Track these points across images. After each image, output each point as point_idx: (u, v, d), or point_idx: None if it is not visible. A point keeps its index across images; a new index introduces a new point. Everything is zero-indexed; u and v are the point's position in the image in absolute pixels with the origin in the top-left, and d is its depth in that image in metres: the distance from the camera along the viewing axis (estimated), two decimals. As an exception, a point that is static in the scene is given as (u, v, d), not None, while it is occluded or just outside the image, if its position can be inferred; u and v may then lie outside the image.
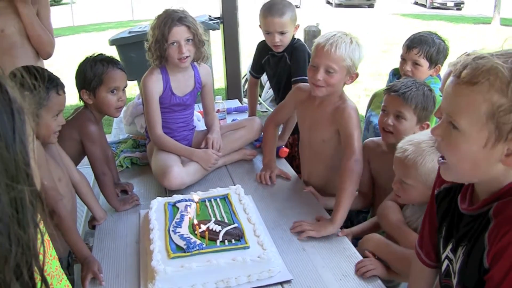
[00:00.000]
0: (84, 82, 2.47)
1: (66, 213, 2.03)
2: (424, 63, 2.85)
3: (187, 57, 2.73)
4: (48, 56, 3.15)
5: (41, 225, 1.23)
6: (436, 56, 2.84)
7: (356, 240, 2.24)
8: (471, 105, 1.18)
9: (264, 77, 7.05)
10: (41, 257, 1.21)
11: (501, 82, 1.13)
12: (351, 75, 2.41)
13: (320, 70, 2.38)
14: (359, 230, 2.36)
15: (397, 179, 2.04)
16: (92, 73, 2.46)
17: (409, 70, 2.87)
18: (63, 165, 2.26)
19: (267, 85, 6.98)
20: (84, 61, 2.52)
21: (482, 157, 1.20)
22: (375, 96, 3.17)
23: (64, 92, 2.14)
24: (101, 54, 2.55)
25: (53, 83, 2.10)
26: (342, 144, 2.42)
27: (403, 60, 2.92)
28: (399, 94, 2.33)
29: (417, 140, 1.99)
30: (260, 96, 7.01)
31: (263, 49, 3.40)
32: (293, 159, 3.55)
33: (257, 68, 3.54)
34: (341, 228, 2.27)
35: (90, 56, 2.53)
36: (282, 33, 3.07)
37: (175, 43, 2.69)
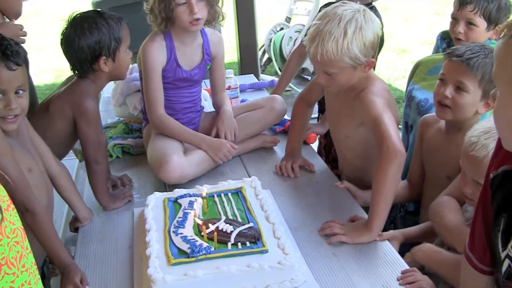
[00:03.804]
0: (101, 48, 2.47)
1: (41, 210, 2.05)
2: (481, 22, 2.79)
3: (199, 18, 2.75)
4: (17, 15, 3.16)
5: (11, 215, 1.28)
6: (496, 14, 2.79)
7: (405, 247, 2.26)
8: (501, 61, 1.25)
9: (287, 48, 7.14)
10: (18, 247, 1.25)
11: None
12: (363, 66, 2.36)
13: (319, 73, 2.41)
14: (412, 234, 2.36)
15: (470, 180, 2.01)
16: (110, 34, 2.47)
17: (462, 32, 2.83)
18: (35, 153, 2.26)
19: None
20: (88, 24, 2.47)
21: None
22: (418, 66, 3.11)
23: (8, 68, 2.00)
24: (89, 11, 2.55)
25: None
26: (373, 135, 2.36)
27: (454, 19, 2.89)
28: (463, 60, 2.28)
29: (495, 131, 1.95)
30: (281, 70, 7.03)
31: None
32: (329, 151, 3.56)
33: None
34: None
35: (85, 16, 2.50)
36: None
37: (184, 2, 2.70)
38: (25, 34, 2.96)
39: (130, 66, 3.41)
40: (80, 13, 2.53)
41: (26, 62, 2.10)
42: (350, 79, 2.40)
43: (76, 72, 2.55)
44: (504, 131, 1.34)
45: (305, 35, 3.48)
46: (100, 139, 2.57)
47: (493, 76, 1.31)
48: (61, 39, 2.53)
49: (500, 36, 1.26)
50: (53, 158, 2.39)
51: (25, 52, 2.10)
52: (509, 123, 1.29)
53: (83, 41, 2.45)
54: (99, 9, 2.59)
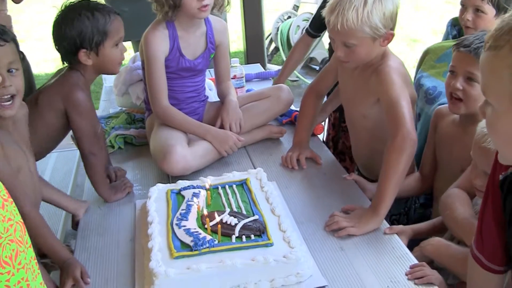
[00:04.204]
0: (82, 40, 2.44)
1: (29, 209, 2.03)
2: (489, 9, 2.77)
3: (207, 4, 2.73)
4: None
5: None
6: (505, 0, 2.77)
7: (413, 242, 2.26)
8: (494, 73, 1.24)
9: (295, 37, 7.13)
10: (14, 244, 1.25)
11: None
12: (382, 37, 2.38)
13: (338, 45, 2.42)
14: (422, 229, 2.36)
15: (481, 172, 2.01)
16: (93, 26, 2.44)
17: (470, 20, 2.81)
18: (28, 151, 2.23)
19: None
20: (70, 13, 2.46)
21: None
22: (427, 53, 3.11)
23: None
24: (82, 1, 2.52)
25: None
26: (385, 116, 2.39)
27: (463, 6, 2.88)
28: (471, 50, 2.27)
29: None
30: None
31: None
32: (337, 143, 3.55)
33: (318, 24, 3.45)
34: (390, 221, 2.28)
35: (74, 5, 2.49)
36: None
37: None
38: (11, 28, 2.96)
39: (133, 54, 3.40)
40: (71, 2, 2.51)
41: (15, 42, 2.07)
42: (369, 52, 2.41)
43: (65, 62, 2.55)
44: (504, 147, 1.32)
45: (309, 24, 3.49)
46: (95, 130, 2.56)
47: (484, 89, 1.29)
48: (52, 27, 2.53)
49: (485, 49, 1.25)
50: None
51: (13, 35, 2.08)
52: (509, 138, 1.28)
53: (65, 31, 2.45)
54: (93, 0, 2.54)
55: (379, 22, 2.31)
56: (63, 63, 2.56)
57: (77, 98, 2.45)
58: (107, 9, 2.51)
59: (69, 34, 2.44)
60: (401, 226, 2.31)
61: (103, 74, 2.64)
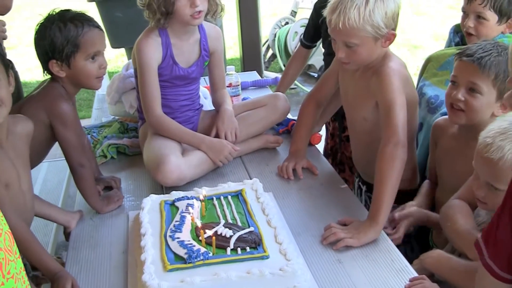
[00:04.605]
0: (53, 51, 2.43)
1: (17, 221, 2.02)
2: (491, 16, 2.77)
3: (201, 11, 2.74)
4: (6, 10, 3.15)
5: None
6: (507, 6, 2.75)
7: (413, 254, 2.27)
8: None
9: (292, 43, 7.15)
10: (3, 253, 1.26)
11: None
12: (384, 37, 2.40)
13: (339, 46, 2.44)
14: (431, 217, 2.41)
15: (484, 183, 2.01)
16: (63, 37, 2.42)
17: (472, 26, 2.82)
18: (21, 167, 2.23)
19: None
20: (46, 22, 2.46)
21: None
22: (429, 61, 3.11)
23: None
24: (68, 10, 2.51)
25: None
26: (380, 120, 2.42)
27: (465, 13, 2.89)
28: (474, 60, 2.28)
29: None
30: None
31: (321, 7, 3.36)
32: (336, 153, 3.55)
33: (311, 34, 3.50)
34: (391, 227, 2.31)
35: (53, 14, 2.48)
36: None
37: None
38: (5, 32, 2.96)
39: (126, 61, 3.40)
40: (54, 11, 2.50)
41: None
42: (370, 53, 2.43)
43: (46, 73, 2.55)
44: None
45: (303, 35, 3.50)
46: (81, 140, 2.57)
47: None
48: None
49: None
50: None
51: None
52: None
53: (38, 40, 2.46)
54: (67, 9, 2.51)
55: (380, 21, 2.33)
56: (44, 73, 2.55)
57: (61, 109, 2.45)
58: (83, 21, 2.48)
59: (41, 43, 2.45)
60: (412, 208, 2.41)
61: (80, 87, 2.61)
